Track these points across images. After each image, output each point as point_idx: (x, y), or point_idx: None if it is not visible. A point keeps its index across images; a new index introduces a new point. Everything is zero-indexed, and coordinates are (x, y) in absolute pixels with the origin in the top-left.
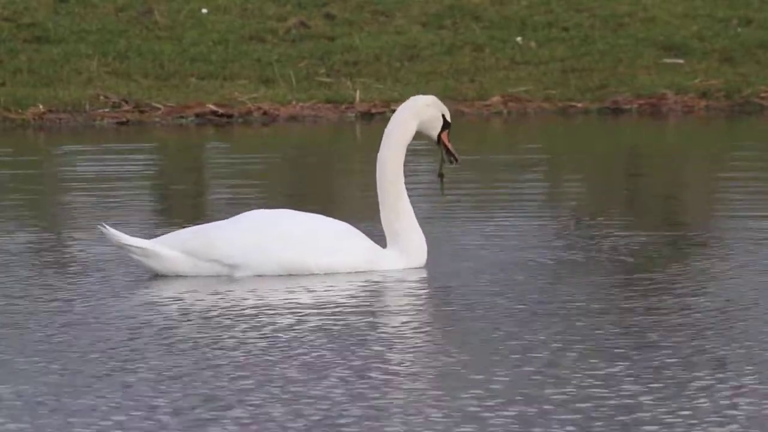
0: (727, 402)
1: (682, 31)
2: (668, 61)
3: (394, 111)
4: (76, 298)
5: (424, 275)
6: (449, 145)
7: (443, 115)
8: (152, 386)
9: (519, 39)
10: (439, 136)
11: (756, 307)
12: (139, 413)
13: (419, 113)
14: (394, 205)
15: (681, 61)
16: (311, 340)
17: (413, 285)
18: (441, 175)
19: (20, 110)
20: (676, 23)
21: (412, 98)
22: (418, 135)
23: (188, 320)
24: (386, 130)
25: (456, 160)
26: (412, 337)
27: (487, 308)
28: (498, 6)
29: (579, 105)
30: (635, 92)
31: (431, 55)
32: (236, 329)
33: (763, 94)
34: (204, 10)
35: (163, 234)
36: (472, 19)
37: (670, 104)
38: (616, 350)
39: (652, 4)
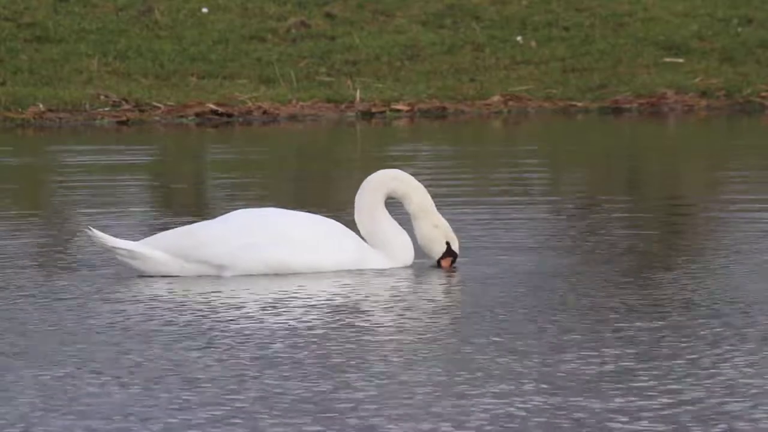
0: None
1: (683, 31)
2: (668, 60)
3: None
4: (65, 297)
5: (413, 273)
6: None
7: (448, 243)
8: (142, 388)
9: (519, 38)
10: (439, 262)
11: (755, 298)
12: (125, 415)
13: (421, 225)
14: (370, 215)
15: (681, 60)
16: (302, 340)
17: (401, 282)
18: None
19: (20, 110)
20: (677, 22)
21: (431, 207)
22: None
23: (176, 320)
24: (361, 203)
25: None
26: (399, 336)
27: (477, 306)
28: (498, 5)
29: (579, 104)
30: (635, 91)
31: (431, 55)
32: (224, 330)
33: (763, 94)
34: (204, 10)
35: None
36: (473, 19)
37: (670, 103)
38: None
39: (653, 4)
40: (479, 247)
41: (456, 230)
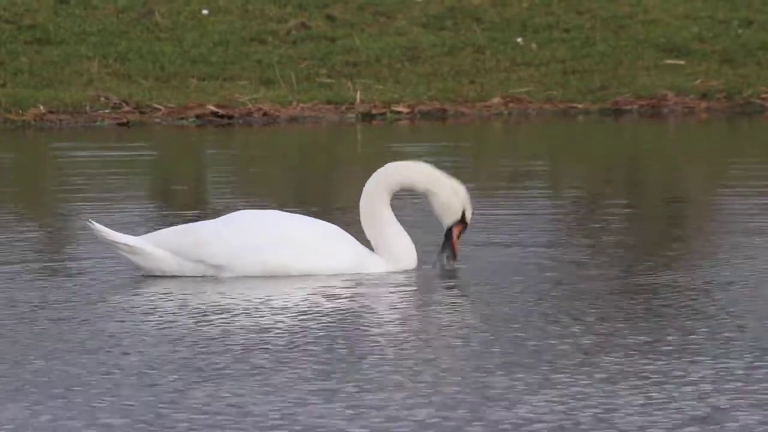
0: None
1: (683, 33)
2: (669, 62)
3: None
4: (66, 294)
5: (413, 277)
6: (456, 243)
7: (464, 212)
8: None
9: (520, 40)
10: (450, 229)
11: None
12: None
13: (438, 194)
14: (374, 216)
15: (682, 62)
16: (299, 343)
17: (400, 286)
18: (436, 264)
19: (21, 111)
20: (677, 24)
21: (446, 177)
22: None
23: (176, 320)
24: (368, 191)
25: (454, 258)
26: (394, 339)
27: (477, 311)
28: (499, 7)
29: (580, 106)
30: (636, 93)
31: (432, 57)
32: (219, 331)
33: (763, 95)
34: (204, 12)
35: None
36: (473, 21)
37: (670, 105)
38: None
39: (653, 6)
40: (476, 248)
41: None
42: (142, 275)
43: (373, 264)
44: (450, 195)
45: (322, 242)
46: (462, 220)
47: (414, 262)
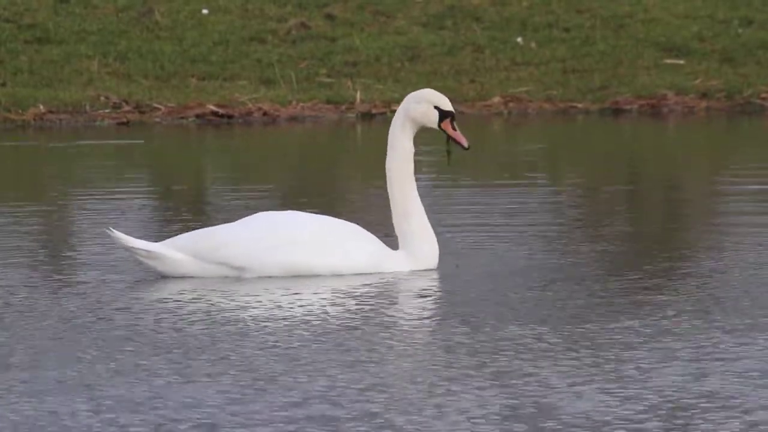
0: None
1: (683, 32)
2: (669, 61)
3: (393, 112)
4: (79, 299)
5: (432, 277)
6: (453, 134)
7: (437, 107)
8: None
9: (519, 39)
10: (439, 126)
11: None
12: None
13: (408, 113)
14: (404, 210)
15: (681, 61)
16: (313, 341)
17: (418, 286)
18: (448, 156)
19: (21, 111)
20: (677, 24)
21: (405, 98)
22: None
23: (193, 322)
24: (389, 138)
25: (465, 147)
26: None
27: (491, 311)
28: (498, 6)
29: (579, 105)
30: (636, 93)
31: (432, 56)
32: (237, 331)
33: (763, 95)
34: (204, 11)
35: (168, 235)
36: (473, 20)
37: (670, 105)
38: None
39: (653, 5)
40: (476, 249)
41: (458, 232)
42: (161, 278)
43: (394, 263)
44: (420, 107)
45: (341, 242)
46: (443, 115)
47: (435, 263)
